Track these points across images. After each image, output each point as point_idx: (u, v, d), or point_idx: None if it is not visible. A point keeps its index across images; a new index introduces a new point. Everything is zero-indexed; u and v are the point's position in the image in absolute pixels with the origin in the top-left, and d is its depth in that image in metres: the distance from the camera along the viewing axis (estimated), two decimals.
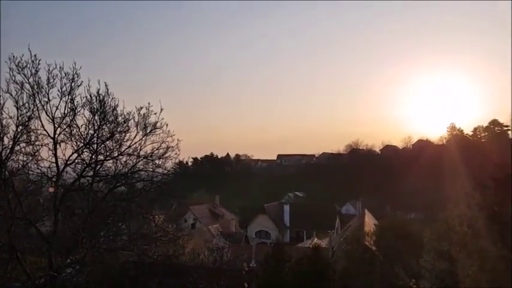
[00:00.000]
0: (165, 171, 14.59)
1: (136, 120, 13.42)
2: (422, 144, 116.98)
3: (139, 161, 13.91)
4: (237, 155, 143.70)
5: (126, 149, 13.66)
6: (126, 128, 13.46)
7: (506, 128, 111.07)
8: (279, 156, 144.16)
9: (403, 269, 19.12)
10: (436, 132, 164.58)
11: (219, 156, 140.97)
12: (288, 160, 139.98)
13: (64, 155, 13.20)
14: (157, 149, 13.87)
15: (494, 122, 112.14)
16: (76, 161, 13.44)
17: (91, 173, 13.86)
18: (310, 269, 19.55)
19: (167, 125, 13.63)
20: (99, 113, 13.04)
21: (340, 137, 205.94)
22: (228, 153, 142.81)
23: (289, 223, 63.45)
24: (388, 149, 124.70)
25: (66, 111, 12.72)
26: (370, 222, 39.91)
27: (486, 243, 11.03)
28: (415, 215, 49.27)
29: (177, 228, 16.93)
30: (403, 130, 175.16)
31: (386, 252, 25.15)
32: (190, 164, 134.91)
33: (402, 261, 21.03)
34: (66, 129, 12.96)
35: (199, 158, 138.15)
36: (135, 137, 13.59)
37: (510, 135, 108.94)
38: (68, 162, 13.32)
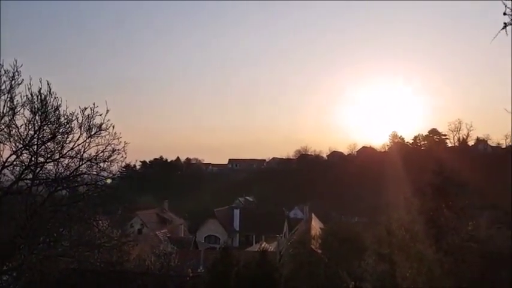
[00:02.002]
0: (111, 175, 14.15)
1: (80, 121, 12.95)
2: (366, 151, 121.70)
3: (82, 164, 13.39)
4: (188, 159, 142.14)
5: (69, 151, 13.12)
6: (69, 129, 12.93)
7: (444, 137, 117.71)
8: (230, 160, 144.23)
9: (346, 271, 19.70)
10: (379, 139, 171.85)
11: (169, 160, 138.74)
12: (239, 164, 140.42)
13: (1, 156, 12.53)
14: (102, 152, 13.40)
15: (433, 131, 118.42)
16: (14, 162, 12.75)
17: (30, 176, 13.17)
18: (257, 272, 19.69)
19: (113, 126, 13.24)
20: (40, 112, 12.44)
21: (289, 142, 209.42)
22: (178, 157, 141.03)
23: (239, 227, 63.62)
24: (335, 155, 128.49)
25: (4, 111, 12.08)
26: (316, 226, 40.76)
27: (423, 246, 11.65)
28: (358, 218, 50.98)
29: (123, 234, 16.41)
30: (349, 137, 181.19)
31: (331, 255, 25.79)
32: (138, 167, 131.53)
33: (346, 264, 21.66)
34: (5, 130, 12.28)
35: (147, 162, 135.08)
36: (78, 139, 13.07)
37: (448, 144, 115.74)
38: (6, 164, 12.63)
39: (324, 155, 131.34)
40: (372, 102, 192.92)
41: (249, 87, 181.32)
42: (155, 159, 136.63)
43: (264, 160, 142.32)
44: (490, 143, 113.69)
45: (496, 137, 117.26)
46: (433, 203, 13.39)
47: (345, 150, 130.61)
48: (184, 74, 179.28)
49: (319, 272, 24.84)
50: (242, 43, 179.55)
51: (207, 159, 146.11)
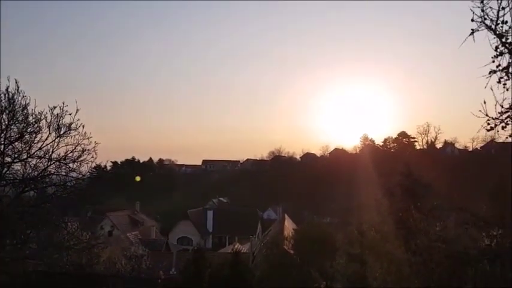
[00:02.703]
0: (80, 176, 13.86)
1: (48, 120, 12.65)
2: (338, 153, 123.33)
3: (51, 164, 13.08)
4: (161, 160, 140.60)
5: (37, 151, 12.79)
6: (37, 128, 12.63)
7: (413, 140, 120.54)
8: (204, 161, 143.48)
9: (318, 271, 19.93)
10: (351, 141, 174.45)
11: (141, 161, 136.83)
12: (213, 166, 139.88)
13: None
14: (71, 152, 13.13)
15: (403, 134, 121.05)
16: None
17: None
18: (230, 274, 19.70)
19: (83, 126, 13.01)
20: (7, 111, 12.11)
21: (264, 143, 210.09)
22: (150, 158, 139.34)
23: (212, 229, 63.38)
24: (308, 156, 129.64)
25: None
26: (289, 226, 41.03)
27: (393, 246, 11.92)
28: (331, 219, 51.65)
29: (92, 236, 16.13)
30: (322, 138, 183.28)
31: (303, 255, 26.00)
32: (109, 168, 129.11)
33: (318, 264, 21.90)
34: None
35: (119, 162, 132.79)
36: (47, 139, 12.78)
37: (417, 147, 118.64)
38: None
39: (297, 157, 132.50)
40: (344, 104, 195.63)
41: (224, 88, 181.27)
42: (127, 159, 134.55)
43: (238, 161, 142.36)
44: (457, 145, 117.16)
45: (463, 140, 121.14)
46: (402, 204, 13.75)
47: (318, 152, 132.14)
48: (158, 74, 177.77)
49: (291, 273, 25.01)
50: (216, 43, 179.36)
51: (180, 160, 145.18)
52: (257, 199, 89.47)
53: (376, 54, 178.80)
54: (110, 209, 59.84)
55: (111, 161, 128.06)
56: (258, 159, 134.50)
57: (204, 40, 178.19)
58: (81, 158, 13.27)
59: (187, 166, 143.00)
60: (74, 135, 12.99)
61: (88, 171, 14.08)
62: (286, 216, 51.51)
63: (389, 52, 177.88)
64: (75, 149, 13.12)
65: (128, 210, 67.00)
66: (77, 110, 12.66)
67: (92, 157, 13.45)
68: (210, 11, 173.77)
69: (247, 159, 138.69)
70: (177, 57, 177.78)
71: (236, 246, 32.67)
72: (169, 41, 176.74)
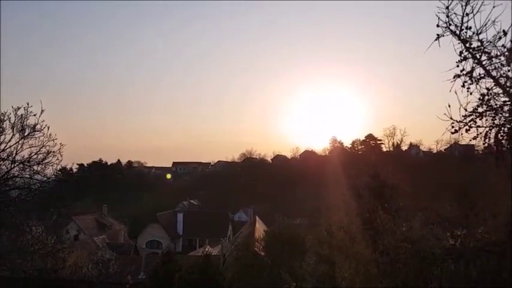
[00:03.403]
0: (45, 178, 13.47)
1: (12, 121, 12.23)
2: (308, 155, 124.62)
3: (14, 167, 12.65)
4: (129, 162, 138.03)
5: (0, 152, 12.36)
6: (0, 129, 12.20)
7: (379, 142, 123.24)
8: (174, 163, 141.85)
9: (288, 272, 20.05)
10: (320, 143, 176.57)
11: (109, 163, 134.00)
12: (183, 168, 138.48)
13: None
14: (36, 154, 12.74)
15: (370, 137, 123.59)
16: None
17: None
18: (200, 277, 19.57)
19: (49, 127, 12.64)
20: None
21: (235, 145, 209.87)
22: (119, 160, 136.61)
23: (183, 232, 62.75)
24: (279, 158, 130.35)
25: None
26: (260, 228, 41.19)
27: (361, 247, 12.14)
28: (301, 220, 52.09)
29: (57, 241, 15.67)
30: (292, 141, 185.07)
31: (274, 257, 26.14)
32: (75, 170, 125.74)
33: (288, 265, 22.05)
34: None
35: (85, 165, 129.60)
36: (10, 140, 12.37)
37: (383, 149, 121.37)
38: None
39: (269, 159, 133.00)
40: (314, 106, 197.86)
41: (194, 90, 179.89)
42: (94, 162, 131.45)
43: (209, 163, 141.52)
44: (422, 148, 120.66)
45: (428, 143, 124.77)
46: (369, 205, 14.04)
47: (289, 154, 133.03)
48: (127, 75, 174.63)
49: (262, 274, 25.10)
50: (186, 44, 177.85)
51: (150, 162, 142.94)
52: (228, 201, 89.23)
53: (346, 56, 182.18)
54: (76, 213, 58.37)
55: (77, 163, 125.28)
56: (229, 161, 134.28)
57: (175, 41, 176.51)
58: (46, 160, 12.91)
59: (156, 168, 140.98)
60: (39, 137, 12.63)
61: (53, 174, 13.72)
62: (257, 218, 51.68)
63: (359, 55, 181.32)
64: (39, 150, 12.75)
65: (95, 213, 65.61)
66: (42, 111, 12.30)
67: (57, 159, 13.10)
68: (182, 11, 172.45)
69: (219, 161, 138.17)
70: (147, 57, 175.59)
71: (206, 249, 32.50)
72: (140, 42, 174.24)
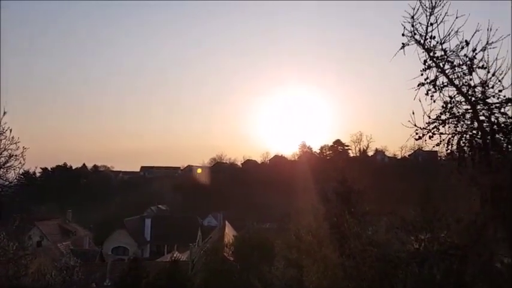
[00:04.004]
0: (7, 183, 12.98)
1: None
2: (278, 160, 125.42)
3: None
4: (95, 166, 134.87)
5: None
6: None
7: (347, 148, 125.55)
8: (142, 168, 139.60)
9: (257, 277, 20.04)
10: (290, 148, 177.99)
11: (74, 167, 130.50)
12: (152, 172, 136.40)
13: None
14: None
15: (337, 142, 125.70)
16: None
17: None
18: (168, 283, 19.29)
19: (11, 130, 12.20)
20: None
21: (205, 150, 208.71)
22: (84, 164, 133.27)
23: (150, 237, 61.77)
24: (249, 163, 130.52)
25: None
26: (229, 233, 41.04)
27: (328, 251, 12.31)
28: (270, 225, 52.28)
29: (19, 247, 15.13)
30: (262, 145, 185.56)
31: (243, 262, 26.08)
32: (38, 174, 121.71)
33: (257, 270, 22.04)
34: None
35: (49, 169, 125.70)
36: None
37: (350, 154, 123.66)
38: None
39: (239, 163, 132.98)
40: (285, 111, 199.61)
41: (165, 93, 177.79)
42: (58, 166, 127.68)
43: (179, 168, 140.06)
44: (387, 153, 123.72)
45: (393, 149, 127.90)
46: (337, 209, 14.26)
47: (259, 159, 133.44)
48: (93, 76, 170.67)
49: (231, 279, 24.98)
50: (158, 47, 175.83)
51: (117, 167, 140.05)
52: (198, 206, 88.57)
53: (316, 62, 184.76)
54: (39, 218, 56.71)
55: (40, 167, 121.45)
56: (199, 165, 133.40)
57: (144, 43, 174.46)
58: (8, 164, 12.43)
59: (124, 173, 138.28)
60: (0, 140, 12.16)
61: (15, 178, 13.22)
62: (226, 222, 51.53)
63: (330, 61, 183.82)
64: (1, 154, 12.28)
65: (59, 219, 63.82)
66: (4, 113, 11.87)
67: (20, 163, 12.65)
68: (154, 13, 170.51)
69: (188, 166, 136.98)
70: (116, 58, 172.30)
71: (175, 255, 32.12)
72: (110, 43, 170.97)
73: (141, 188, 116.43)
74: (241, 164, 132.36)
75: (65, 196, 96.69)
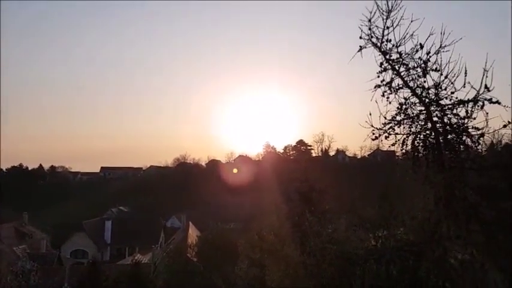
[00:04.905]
0: None
1: None
2: (243, 160, 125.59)
3: None
4: (52, 167, 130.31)
5: None
6: None
7: (309, 148, 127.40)
8: (102, 168, 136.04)
9: (221, 278, 19.99)
10: (254, 148, 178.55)
11: (30, 168, 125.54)
12: (112, 173, 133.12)
13: None
14: None
15: (301, 142, 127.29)
16: None
17: None
18: (129, 286, 18.88)
19: None
20: None
21: (169, 150, 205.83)
22: (40, 165, 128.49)
23: (111, 240, 60.27)
24: (213, 163, 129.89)
25: None
26: (193, 234, 40.75)
27: (290, 249, 12.43)
28: (234, 225, 52.26)
29: None
30: (227, 145, 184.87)
31: (206, 262, 25.94)
32: None
33: (220, 271, 21.98)
34: None
35: (4, 170, 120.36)
36: None
37: (313, 154, 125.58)
38: None
39: (203, 163, 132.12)
40: (249, 111, 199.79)
41: (126, 93, 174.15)
42: (13, 167, 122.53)
43: (141, 168, 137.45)
44: (347, 153, 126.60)
45: (353, 149, 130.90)
46: (299, 208, 14.42)
47: (223, 159, 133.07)
48: (53, 76, 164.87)
49: (194, 280, 24.79)
50: (118, 47, 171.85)
51: (75, 167, 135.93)
52: (161, 207, 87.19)
53: (282, 63, 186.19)
54: None
55: None
56: (162, 166, 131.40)
57: (108, 43, 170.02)
58: None
59: (83, 174, 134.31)
60: None
61: None
62: (190, 223, 51.14)
63: (295, 62, 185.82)
64: None
65: (14, 222, 61.05)
66: None
67: None
68: (119, 14, 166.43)
69: (151, 166, 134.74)
70: (76, 59, 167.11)
71: (136, 257, 31.51)
72: (72, 43, 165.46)
73: (101, 189, 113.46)
74: (206, 164, 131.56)
75: (20, 198, 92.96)
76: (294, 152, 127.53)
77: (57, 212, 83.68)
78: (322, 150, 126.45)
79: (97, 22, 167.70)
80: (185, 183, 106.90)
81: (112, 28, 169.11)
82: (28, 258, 37.27)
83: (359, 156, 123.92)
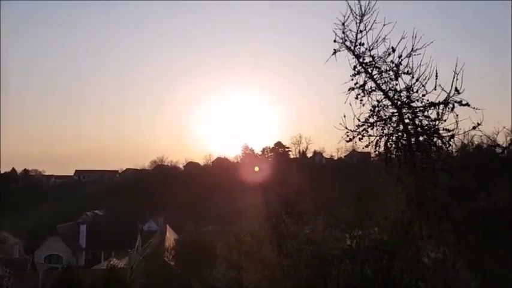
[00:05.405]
0: None
1: None
2: (221, 162, 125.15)
3: None
4: (25, 170, 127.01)
5: None
6: None
7: (287, 149, 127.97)
8: (77, 172, 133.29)
9: (199, 280, 19.87)
10: (233, 150, 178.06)
11: (2, 171, 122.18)
12: (87, 176, 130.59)
13: None
14: None
15: (279, 144, 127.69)
16: None
17: None
18: None
19: None
20: None
21: (146, 152, 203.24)
22: (13, 168, 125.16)
23: (86, 244, 59.07)
24: (191, 165, 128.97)
25: None
26: (171, 237, 40.39)
27: (267, 251, 12.46)
28: (212, 227, 52.05)
29: None
30: (205, 148, 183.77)
31: (184, 265, 25.76)
32: None
33: (198, 273, 21.87)
34: None
35: None
36: None
37: (290, 156, 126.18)
38: None
39: (181, 166, 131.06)
40: (227, 113, 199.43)
41: (100, 95, 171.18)
42: None
43: (117, 171, 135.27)
44: (324, 155, 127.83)
45: (330, 150, 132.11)
46: (276, 210, 14.47)
47: (201, 161, 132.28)
48: (24, 78, 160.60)
49: (171, 284, 24.56)
50: (95, 50, 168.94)
51: (49, 171, 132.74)
52: (137, 211, 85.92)
53: (261, 65, 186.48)
54: None
55: None
56: (138, 168, 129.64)
57: (85, 44, 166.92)
58: None
59: (57, 177, 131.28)
60: None
61: None
62: (167, 226, 50.65)
63: (273, 62, 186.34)
64: None
65: None
66: None
67: None
68: (97, 15, 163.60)
69: (127, 169, 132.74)
70: (52, 58, 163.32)
71: (112, 262, 31.05)
72: (45, 44, 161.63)
73: (76, 193, 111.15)
74: (183, 166, 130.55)
75: None
76: (272, 153, 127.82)
77: (30, 217, 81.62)
78: (299, 152, 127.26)
79: (77, 22, 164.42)
80: (162, 186, 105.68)
81: (89, 29, 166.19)
82: (0, 264, 36.28)
83: (336, 158, 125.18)
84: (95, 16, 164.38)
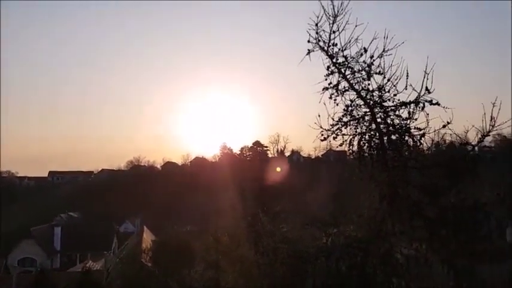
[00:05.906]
0: None
1: None
2: (199, 161, 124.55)
3: None
4: None
5: None
6: None
7: (265, 149, 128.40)
8: (50, 173, 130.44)
9: (176, 281, 19.74)
10: (211, 150, 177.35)
11: None
12: (61, 177, 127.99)
13: None
14: None
15: (257, 143, 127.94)
16: None
17: None
18: None
19: None
20: None
21: (121, 152, 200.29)
22: None
23: (61, 247, 58.04)
24: (169, 165, 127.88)
25: None
26: (148, 238, 40.02)
27: (244, 250, 12.48)
28: (190, 227, 51.76)
29: None
30: (183, 147, 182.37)
31: (162, 266, 25.57)
32: None
33: (176, 274, 21.72)
34: None
35: None
36: None
37: (269, 155, 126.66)
38: None
39: (158, 166, 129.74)
40: (205, 112, 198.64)
41: (77, 94, 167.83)
42: None
43: (92, 172, 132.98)
44: (302, 154, 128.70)
45: (307, 149, 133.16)
46: (252, 208, 14.51)
47: (179, 161, 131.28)
48: None
49: (149, 286, 24.34)
50: (72, 46, 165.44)
51: (21, 172, 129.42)
52: (114, 212, 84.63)
53: (240, 64, 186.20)
54: None
55: None
56: (114, 169, 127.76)
57: (63, 41, 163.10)
58: None
59: (30, 178, 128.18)
60: None
61: None
62: (145, 227, 50.18)
63: (252, 62, 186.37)
64: None
65: None
66: None
67: None
68: (71, 13, 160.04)
69: (102, 170, 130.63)
70: (27, 56, 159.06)
71: (88, 264, 30.53)
72: (17, 41, 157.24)
73: (50, 195, 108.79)
74: (161, 166, 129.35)
75: None
76: (251, 152, 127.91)
77: (3, 219, 79.36)
78: (277, 151, 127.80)
79: (55, 21, 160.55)
80: (139, 187, 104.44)
81: (68, 28, 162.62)
82: None
83: (313, 157, 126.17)
84: (72, 15, 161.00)
